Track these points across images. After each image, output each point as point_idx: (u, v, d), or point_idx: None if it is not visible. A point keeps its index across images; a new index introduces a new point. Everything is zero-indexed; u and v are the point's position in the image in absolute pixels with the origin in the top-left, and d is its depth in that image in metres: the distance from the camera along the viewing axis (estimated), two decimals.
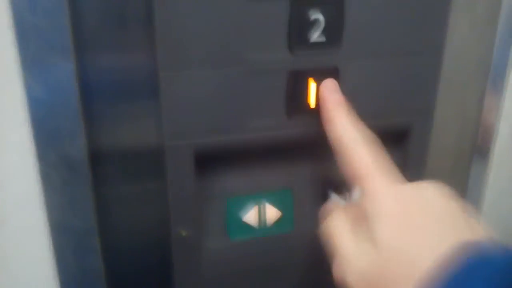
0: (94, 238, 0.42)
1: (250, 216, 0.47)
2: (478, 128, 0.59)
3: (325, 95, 0.41)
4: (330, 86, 0.42)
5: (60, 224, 0.41)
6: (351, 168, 0.36)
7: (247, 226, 0.48)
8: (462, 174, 0.60)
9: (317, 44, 0.42)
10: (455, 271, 0.26)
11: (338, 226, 0.36)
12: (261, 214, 0.48)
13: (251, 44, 0.40)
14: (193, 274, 0.47)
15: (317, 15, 0.41)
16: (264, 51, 0.41)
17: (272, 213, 0.48)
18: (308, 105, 0.44)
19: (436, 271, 0.26)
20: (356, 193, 0.37)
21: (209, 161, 0.44)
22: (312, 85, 0.43)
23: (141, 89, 0.42)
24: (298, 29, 0.41)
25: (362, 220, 0.33)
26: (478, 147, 0.58)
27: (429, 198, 0.32)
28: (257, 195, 0.47)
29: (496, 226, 0.65)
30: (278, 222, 0.48)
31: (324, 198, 0.49)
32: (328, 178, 0.49)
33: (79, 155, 0.40)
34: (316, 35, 0.42)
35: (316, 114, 0.44)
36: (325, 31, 0.41)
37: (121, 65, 0.41)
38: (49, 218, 0.41)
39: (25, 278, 0.42)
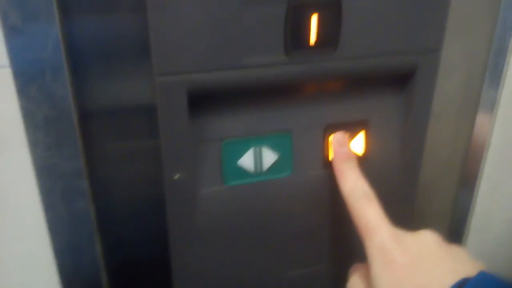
0: (83, 180, 0.40)
1: (247, 160, 0.45)
2: (484, 76, 0.57)
3: (336, 149, 0.46)
4: (340, 140, 0.46)
5: (46, 165, 0.39)
6: (361, 220, 0.40)
7: (243, 171, 0.46)
8: (468, 121, 0.57)
9: None
10: None
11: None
12: (257, 158, 0.46)
13: None
14: (188, 220, 0.45)
15: None
16: None
17: (269, 156, 0.46)
18: (308, 41, 0.41)
19: None
20: None
21: (203, 100, 0.42)
22: (313, 20, 0.40)
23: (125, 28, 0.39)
24: None
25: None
26: (485, 93, 0.56)
27: (429, 245, 0.37)
28: (254, 138, 0.45)
29: (501, 172, 0.63)
30: (276, 166, 0.46)
31: (324, 142, 0.47)
32: (328, 120, 0.47)
33: (64, 92, 0.37)
34: None
35: (317, 52, 0.41)
36: None
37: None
38: (34, 158, 0.39)
39: (12, 221, 0.40)
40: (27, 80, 0.36)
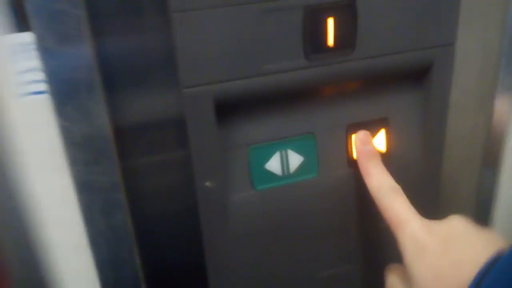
0: (120, 194, 0.42)
1: (273, 163, 0.47)
2: (500, 66, 0.58)
3: (359, 147, 0.47)
4: (363, 138, 0.47)
5: (84, 181, 0.41)
6: (391, 213, 0.41)
7: (271, 174, 0.47)
8: (488, 109, 0.58)
9: None
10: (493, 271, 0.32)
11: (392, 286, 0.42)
12: (284, 161, 0.47)
13: None
14: (220, 225, 0.47)
15: None
16: None
17: (295, 159, 0.47)
18: (327, 44, 0.42)
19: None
20: None
21: (229, 109, 0.44)
22: (330, 23, 0.42)
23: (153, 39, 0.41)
24: None
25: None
26: (502, 79, 0.56)
27: (458, 228, 0.38)
28: (280, 142, 0.46)
29: None
30: (302, 168, 0.48)
31: (347, 141, 0.49)
32: (349, 120, 0.48)
33: (98, 109, 0.39)
34: None
35: (335, 54, 0.43)
36: None
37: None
38: (73, 175, 0.40)
39: (55, 237, 0.42)
40: (63, 100, 0.38)
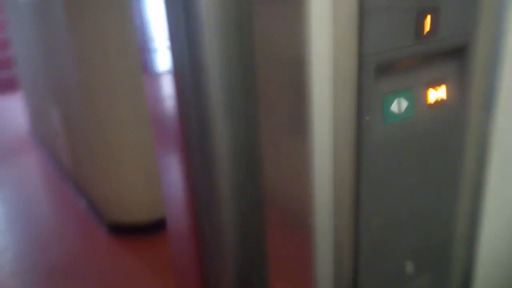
0: None
1: (395, 106, 0.76)
2: None
3: None
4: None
5: None
6: None
7: (393, 113, 0.76)
8: None
9: None
10: None
11: None
12: (400, 104, 0.76)
13: None
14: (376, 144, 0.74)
15: None
16: None
17: (403, 103, 0.77)
18: (425, 30, 0.73)
19: None
20: None
21: (380, 71, 0.72)
22: (428, 18, 0.73)
23: None
24: None
25: None
26: None
27: None
28: (398, 92, 0.76)
29: None
30: (406, 109, 0.77)
31: (427, 92, 0.80)
32: (428, 79, 0.79)
33: None
34: None
35: (429, 36, 0.74)
36: None
37: None
38: None
39: None
40: None
